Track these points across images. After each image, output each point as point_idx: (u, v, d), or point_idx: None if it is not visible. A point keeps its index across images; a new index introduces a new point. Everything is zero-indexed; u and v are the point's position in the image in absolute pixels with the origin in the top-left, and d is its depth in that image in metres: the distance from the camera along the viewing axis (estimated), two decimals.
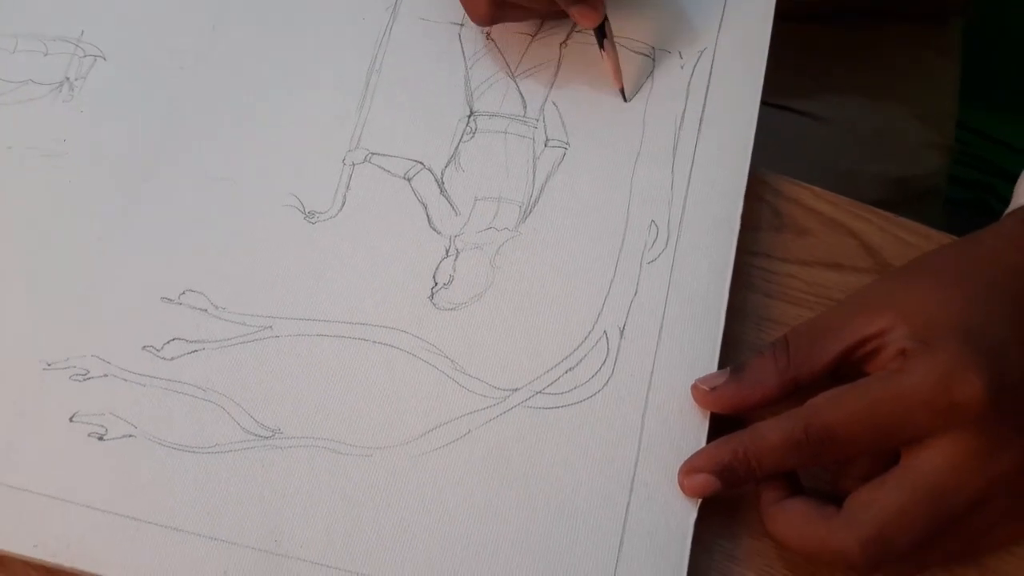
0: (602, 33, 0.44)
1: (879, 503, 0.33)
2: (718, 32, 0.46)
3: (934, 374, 0.32)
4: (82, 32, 0.50)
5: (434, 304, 0.41)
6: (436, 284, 0.42)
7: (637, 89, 0.45)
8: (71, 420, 0.40)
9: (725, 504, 0.37)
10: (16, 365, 0.41)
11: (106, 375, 0.41)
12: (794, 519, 0.34)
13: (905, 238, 0.42)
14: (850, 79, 0.68)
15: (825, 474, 0.37)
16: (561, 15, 0.44)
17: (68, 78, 0.49)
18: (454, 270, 0.42)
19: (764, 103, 0.67)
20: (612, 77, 0.44)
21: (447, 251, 0.43)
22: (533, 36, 0.47)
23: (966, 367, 0.32)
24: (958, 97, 0.72)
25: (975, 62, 0.78)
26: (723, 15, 0.46)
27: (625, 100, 0.45)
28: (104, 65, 0.49)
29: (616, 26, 0.46)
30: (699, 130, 0.44)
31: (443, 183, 0.44)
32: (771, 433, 0.35)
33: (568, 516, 0.37)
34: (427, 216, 0.43)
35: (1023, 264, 0.35)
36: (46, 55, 0.50)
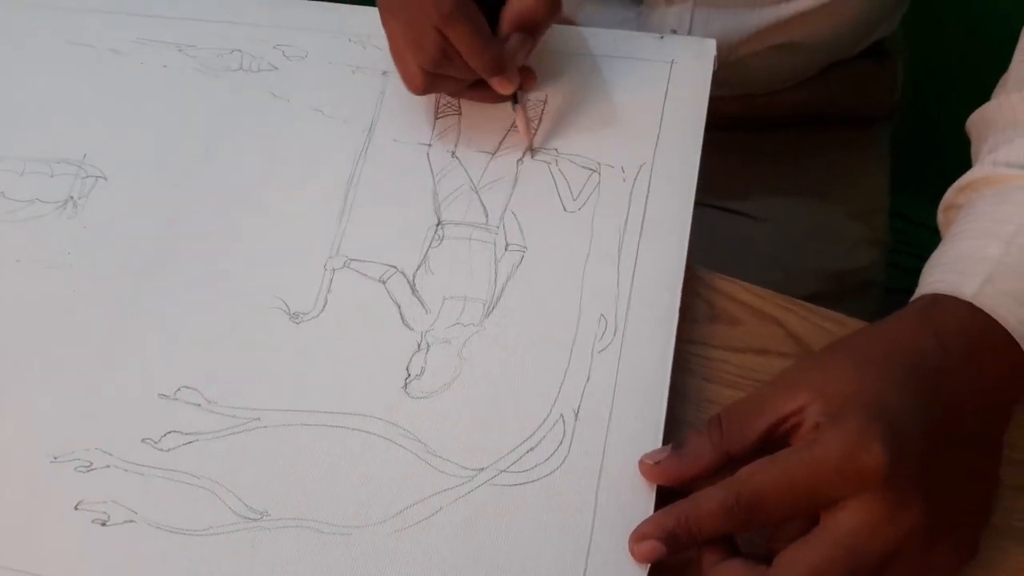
0: (515, 98, 0.51)
1: (802, 560, 0.37)
2: (655, 149, 0.52)
3: (843, 445, 0.37)
4: (84, 155, 0.55)
5: (408, 393, 0.46)
6: (409, 375, 0.46)
7: (585, 200, 0.51)
8: (76, 508, 0.43)
9: (671, 569, 0.41)
10: (25, 458, 0.45)
11: (108, 466, 0.44)
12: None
13: (824, 325, 0.47)
14: (785, 181, 0.74)
15: (760, 539, 0.41)
16: (483, 84, 0.51)
17: (72, 197, 0.54)
18: (425, 362, 0.47)
19: (707, 205, 0.73)
20: (523, 132, 0.52)
21: (419, 345, 0.47)
22: (493, 154, 0.53)
23: (871, 437, 0.37)
24: (888, 194, 0.79)
25: (910, 156, 0.85)
26: (659, 134, 0.52)
27: (532, 155, 0.52)
28: (105, 184, 0.54)
29: (566, 144, 0.52)
30: (640, 233, 0.49)
31: (415, 285, 0.49)
32: (707, 501, 0.39)
33: None
34: (400, 315, 0.48)
35: (919, 344, 0.40)
36: (52, 176, 0.55)
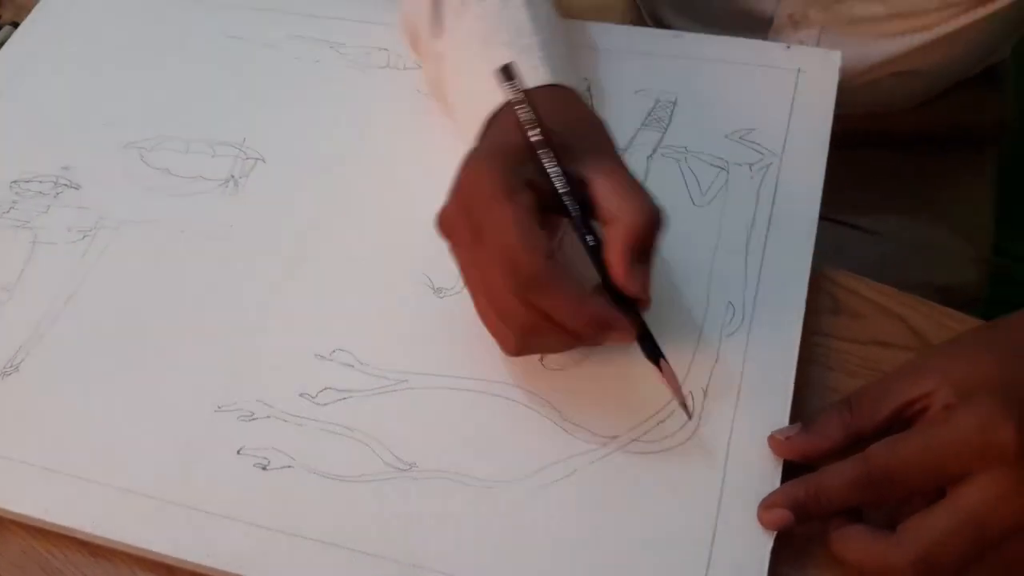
0: (653, 351, 0.44)
1: (927, 527, 0.39)
2: (782, 150, 0.54)
3: (975, 421, 0.39)
4: (244, 139, 0.60)
5: (544, 365, 0.49)
6: None
7: (714, 196, 0.53)
8: (239, 453, 0.47)
9: (795, 541, 0.43)
10: (192, 407, 0.49)
11: (269, 416, 0.48)
12: (855, 540, 0.40)
13: (947, 323, 0.49)
14: (894, 198, 0.76)
15: (883, 516, 0.43)
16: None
17: (233, 176, 0.58)
18: None
19: (821, 217, 0.74)
20: (673, 392, 0.44)
21: None
22: (624, 151, 0.56)
23: (1002, 415, 0.39)
24: (994, 216, 0.80)
25: (1014, 189, 0.86)
26: (786, 137, 0.55)
27: (688, 417, 0.45)
28: (264, 166, 0.59)
29: (696, 143, 0.55)
30: (768, 228, 0.52)
31: None
32: (838, 474, 0.41)
33: (661, 545, 0.43)
34: None
35: None
36: (213, 156, 0.60)
